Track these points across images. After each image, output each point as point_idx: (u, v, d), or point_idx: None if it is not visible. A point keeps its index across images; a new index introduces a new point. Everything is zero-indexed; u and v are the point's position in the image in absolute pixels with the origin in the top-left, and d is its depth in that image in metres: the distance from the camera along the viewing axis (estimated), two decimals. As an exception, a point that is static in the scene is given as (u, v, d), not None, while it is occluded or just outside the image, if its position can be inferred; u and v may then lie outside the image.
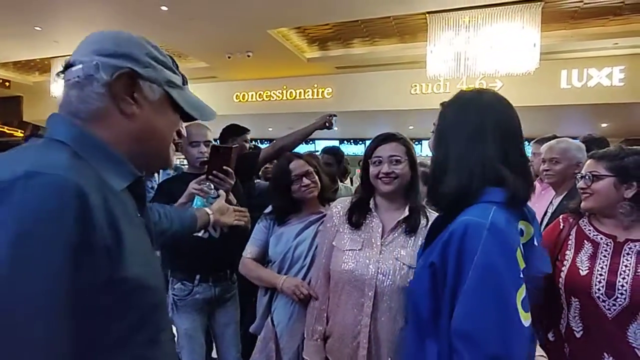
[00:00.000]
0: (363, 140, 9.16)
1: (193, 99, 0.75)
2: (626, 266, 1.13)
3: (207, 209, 1.23)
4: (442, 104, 0.93)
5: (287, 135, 2.15)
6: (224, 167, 1.56)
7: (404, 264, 1.14)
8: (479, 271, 0.73)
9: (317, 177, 1.53)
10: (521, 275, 0.74)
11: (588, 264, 1.17)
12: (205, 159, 1.69)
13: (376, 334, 1.14)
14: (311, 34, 5.65)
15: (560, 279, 1.17)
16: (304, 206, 1.54)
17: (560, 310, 1.19)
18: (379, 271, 1.15)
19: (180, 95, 0.71)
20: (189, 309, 1.69)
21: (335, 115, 2.13)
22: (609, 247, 1.17)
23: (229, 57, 6.06)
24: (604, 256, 1.17)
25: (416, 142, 8.97)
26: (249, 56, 5.96)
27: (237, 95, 7.65)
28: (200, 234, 1.61)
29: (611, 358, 1.10)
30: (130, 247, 0.57)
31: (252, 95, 7.54)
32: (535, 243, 0.85)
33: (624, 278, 1.11)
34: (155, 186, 1.75)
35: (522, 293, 0.73)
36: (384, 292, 1.14)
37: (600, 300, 1.11)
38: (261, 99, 7.49)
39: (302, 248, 1.47)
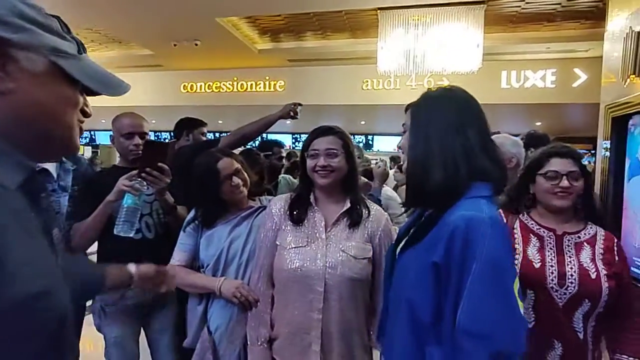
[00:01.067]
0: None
1: (93, 69, 0.62)
2: (570, 257, 1.22)
3: (131, 269, 0.99)
4: (408, 106, 0.94)
5: (250, 124, 2.06)
6: (159, 164, 1.45)
7: (350, 255, 1.15)
8: (486, 266, 0.72)
9: (245, 174, 1.45)
10: (515, 266, 0.77)
11: (539, 257, 1.22)
12: (140, 152, 1.56)
13: (327, 328, 1.14)
14: (262, 25, 5.50)
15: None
16: (231, 205, 1.45)
17: None
18: (327, 265, 1.15)
19: (73, 65, 0.59)
20: (119, 315, 1.58)
21: (300, 105, 2.06)
22: (551, 239, 1.25)
23: (175, 45, 5.73)
24: (551, 249, 1.23)
25: (369, 137, 9.14)
26: (196, 45, 5.68)
27: (184, 85, 7.30)
28: (132, 235, 1.51)
29: (560, 344, 1.16)
30: (21, 258, 0.47)
31: (200, 85, 7.23)
32: None
33: (571, 268, 1.19)
34: (57, 187, 1.55)
35: (517, 283, 0.74)
36: (333, 285, 1.14)
37: (554, 290, 1.18)
38: (210, 90, 7.21)
39: (237, 245, 1.39)
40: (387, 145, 9.03)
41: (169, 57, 6.50)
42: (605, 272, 1.19)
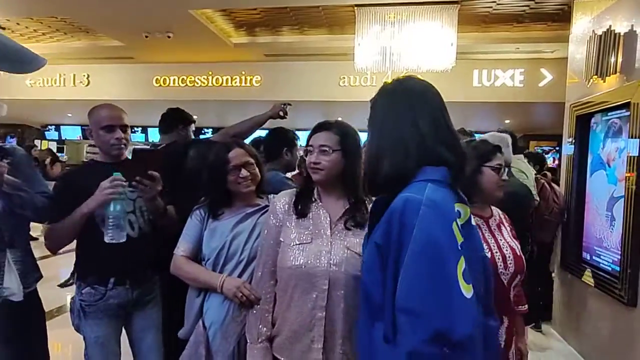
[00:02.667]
0: (292, 130, 9.11)
1: None
2: (500, 239, 1.33)
3: None
4: (371, 101, 0.95)
5: (239, 123, 2.04)
6: (150, 173, 1.41)
7: (354, 252, 1.13)
8: (419, 245, 0.74)
9: (257, 169, 1.42)
10: (459, 248, 0.75)
11: (486, 246, 1.28)
12: (122, 146, 1.52)
13: (331, 326, 1.13)
14: (238, 18, 5.41)
15: None
16: (237, 199, 1.43)
17: None
18: (331, 262, 1.13)
19: None
20: (100, 314, 1.52)
21: (289, 104, 2.09)
22: (485, 226, 1.34)
23: (146, 37, 5.55)
24: (488, 235, 1.33)
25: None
26: (169, 37, 5.52)
27: (157, 79, 7.09)
28: (124, 240, 1.45)
29: (506, 318, 1.29)
30: None
31: (174, 79, 7.04)
32: (473, 223, 0.90)
33: (507, 250, 1.31)
34: None
35: (462, 265, 0.74)
36: (337, 283, 1.12)
37: (502, 274, 1.28)
38: (184, 84, 7.03)
39: (238, 242, 1.37)
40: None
41: (140, 49, 6.30)
42: (518, 247, 1.34)
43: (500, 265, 1.28)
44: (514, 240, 1.36)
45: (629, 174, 2.30)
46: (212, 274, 1.37)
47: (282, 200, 1.25)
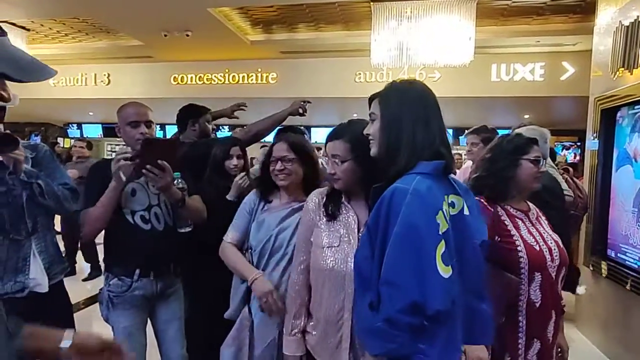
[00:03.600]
0: (308, 127, 9.14)
1: (9, 53, 0.58)
2: (543, 232, 1.33)
3: (65, 341, 0.77)
4: (374, 96, 1.03)
5: (260, 121, 2.09)
6: (159, 162, 1.45)
7: None
8: (402, 228, 0.85)
9: (294, 166, 1.44)
10: (440, 233, 0.85)
11: (533, 239, 1.29)
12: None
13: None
14: (254, 16, 5.45)
15: (522, 259, 1.26)
16: (283, 192, 1.50)
17: (517, 288, 1.26)
18: None
19: None
20: (127, 305, 1.58)
21: (309, 102, 2.11)
22: (526, 220, 1.34)
23: (165, 36, 5.64)
24: (532, 229, 1.31)
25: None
26: (187, 36, 5.60)
27: (174, 77, 7.19)
28: (141, 225, 1.55)
29: (554, 312, 1.27)
30: None
31: (191, 77, 7.14)
32: (467, 213, 0.96)
33: (552, 243, 1.30)
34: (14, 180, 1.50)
35: (441, 248, 0.84)
36: None
37: (550, 267, 1.27)
38: (202, 82, 7.12)
39: (283, 237, 1.42)
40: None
41: (159, 48, 6.40)
42: (558, 239, 1.34)
43: (548, 258, 1.27)
44: (553, 233, 1.35)
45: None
46: (249, 267, 1.44)
47: (313, 200, 1.27)
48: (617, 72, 2.65)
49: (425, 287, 0.82)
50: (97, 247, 4.16)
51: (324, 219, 1.22)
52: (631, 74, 2.50)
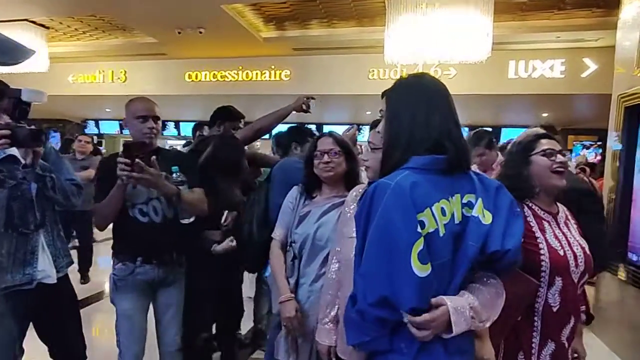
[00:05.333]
0: (320, 124, 9.10)
1: None
2: (571, 237, 1.26)
3: None
4: (384, 92, 1.04)
5: (264, 117, 2.13)
6: (136, 161, 1.50)
7: None
8: (378, 223, 0.85)
9: (340, 159, 1.51)
10: (419, 231, 0.83)
11: (558, 243, 1.24)
12: (153, 135, 1.66)
13: None
14: (267, 12, 5.43)
15: (544, 262, 1.21)
16: (326, 185, 1.54)
17: (534, 291, 1.22)
18: None
19: None
20: (130, 288, 1.68)
21: (314, 98, 2.11)
22: (553, 222, 1.27)
23: (179, 33, 5.68)
24: (557, 232, 1.25)
25: (370, 128, 9.07)
26: (201, 33, 5.62)
27: (189, 74, 7.25)
28: (139, 218, 1.63)
29: (573, 318, 1.23)
30: None
31: (205, 75, 7.18)
32: (478, 214, 0.90)
33: (577, 248, 1.24)
34: (26, 174, 1.56)
35: (418, 246, 0.82)
36: None
37: (574, 273, 1.22)
38: (215, 79, 7.15)
39: (323, 232, 1.47)
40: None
41: (173, 45, 6.45)
42: (585, 244, 1.28)
43: (572, 264, 1.22)
44: (581, 238, 1.29)
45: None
46: (284, 284, 1.52)
47: (353, 194, 1.30)
48: (642, 68, 2.53)
49: (395, 283, 0.82)
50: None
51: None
52: (657, 70, 2.39)
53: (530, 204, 1.30)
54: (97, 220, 1.66)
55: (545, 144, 1.29)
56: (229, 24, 5.35)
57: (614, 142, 2.96)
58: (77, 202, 1.67)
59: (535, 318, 1.21)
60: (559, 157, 1.26)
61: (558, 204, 1.33)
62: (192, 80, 7.26)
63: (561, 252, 1.22)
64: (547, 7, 4.81)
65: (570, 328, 1.23)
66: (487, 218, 0.90)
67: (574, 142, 8.41)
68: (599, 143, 8.07)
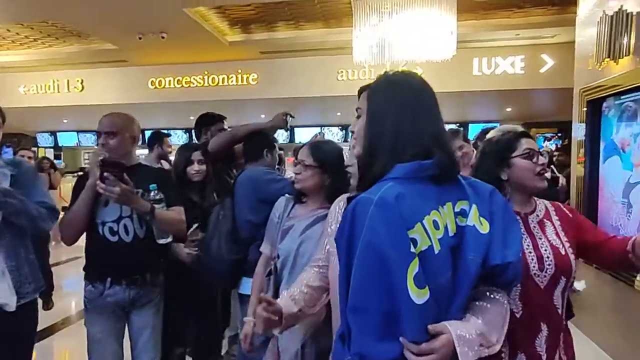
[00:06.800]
0: (292, 127, 9.02)
1: None
2: (540, 238, 1.20)
3: None
4: (362, 88, 0.93)
5: (240, 127, 2.11)
6: (105, 176, 1.49)
7: None
8: (363, 247, 0.73)
9: (310, 172, 1.43)
10: (412, 251, 0.73)
11: None
12: (107, 151, 1.63)
13: None
14: (232, 16, 5.31)
15: None
16: (309, 197, 1.50)
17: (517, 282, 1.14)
18: None
19: None
20: (100, 311, 1.64)
21: (292, 116, 2.05)
22: (520, 223, 1.19)
23: (140, 38, 5.44)
24: (523, 234, 1.19)
25: (341, 129, 9.10)
26: (163, 38, 5.41)
27: (152, 81, 7.00)
28: (108, 237, 1.59)
29: (545, 325, 1.15)
30: None
31: (169, 81, 6.95)
32: (473, 223, 0.82)
33: (545, 250, 1.18)
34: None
35: (414, 268, 0.72)
36: None
37: (536, 276, 1.16)
38: (180, 85, 6.94)
39: (305, 248, 1.41)
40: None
41: (134, 52, 6.19)
42: (568, 244, 1.21)
43: (534, 267, 1.16)
44: (560, 237, 1.22)
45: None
46: (253, 305, 1.47)
47: (335, 207, 1.19)
48: (603, 63, 2.64)
49: (393, 314, 0.71)
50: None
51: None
52: (617, 63, 2.48)
53: None
54: (64, 230, 1.62)
55: (525, 143, 1.23)
56: (192, 28, 5.18)
57: (578, 133, 3.06)
58: (47, 226, 1.61)
59: None
60: (541, 159, 1.21)
61: (539, 200, 1.27)
62: (156, 87, 7.00)
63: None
64: (507, 5, 4.97)
65: (545, 337, 1.15)
66: (484, 226, 0.81)
67: (536, 135, 8.79)
68: (559, 135, 8.47)
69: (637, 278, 2.31)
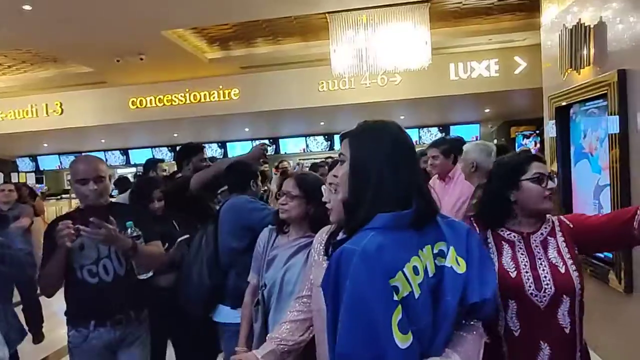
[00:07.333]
0: (276, 139, 9.06)
1: None
2: (539, 258, 1.21)
3: None
4: (343, 135, 0.96)
5: (218, 163, 2.21)
6: (92, 219, 1.48)
7: None
8: (348, 298, 0.77)
9: (296, 203, 1.47)
10: (395, 299, 0.77)
11: (514, 265, 1.21)
12: (97, 195, 1.62)
13: None
14: (210, 34, 5.35)
15: None
16: (292, 226, 1.54)
17: (496, 314, 1.18)
18: None
19: None
20: (86, 355, 1.62)
21: (269, 145, 2.15)
22: (521, 243, 1.24)
23: (117, 61, 5.43)
24: (522, 254, 1.22)
25: (330, 137, 9.18)
26: (142, 59, 5.41)
27: (132, 101, 6.95)
28: (88, 279, 1.59)
29: (546, 344, 1.17)
30: None
31: (150, 100, 6.92)
32: (446, 264, 0.86)
33: (544, 270, 1.19)
34: None
35: (397, 315, 0.76)
36: None
37: (534, 295, 1.18)
38: (162, 103, 6.91)
39: (290, 276, 1.45)
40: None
41: (112, 73, 6.17)
42: (571, 261, 1.21)
43: (530, 287, 1.18)
44: (562, 255, 1.21)
45: (613, 151, 2.32)
46: (243, 335, 1.57)
47: (319, 238, 1.21)
48: (567, 72, 2.76)
49: (378, 358, 0.75)
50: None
51: (325, 257, 1.15)
52: (579, 74, 2.61)
53: (496, 230, 1.27)
54: (42, 286, 1.61)
55: (535, 167, 1.23)
56: (170, 48, 5.20)
57: (549, 128, 3.16)
58: (32, 272, 1.64)
59: (502, 343, 1.21)
60: (550, 184, 1.22)
61: (549, 217, 1.27)
62: (137, 107, 6.96)
63: (513, 275, 1.20)
64: (477, 13, 5.14)
65: (548, 357, 1.16)
66: (461, 266, 0.85)
67: (516, 133, 9.01)
68: (537, 132, 8.69)
69: (609, 276, 2.42)
